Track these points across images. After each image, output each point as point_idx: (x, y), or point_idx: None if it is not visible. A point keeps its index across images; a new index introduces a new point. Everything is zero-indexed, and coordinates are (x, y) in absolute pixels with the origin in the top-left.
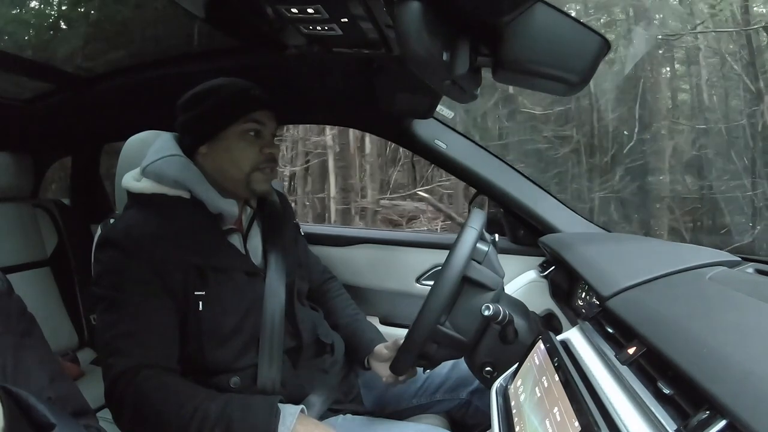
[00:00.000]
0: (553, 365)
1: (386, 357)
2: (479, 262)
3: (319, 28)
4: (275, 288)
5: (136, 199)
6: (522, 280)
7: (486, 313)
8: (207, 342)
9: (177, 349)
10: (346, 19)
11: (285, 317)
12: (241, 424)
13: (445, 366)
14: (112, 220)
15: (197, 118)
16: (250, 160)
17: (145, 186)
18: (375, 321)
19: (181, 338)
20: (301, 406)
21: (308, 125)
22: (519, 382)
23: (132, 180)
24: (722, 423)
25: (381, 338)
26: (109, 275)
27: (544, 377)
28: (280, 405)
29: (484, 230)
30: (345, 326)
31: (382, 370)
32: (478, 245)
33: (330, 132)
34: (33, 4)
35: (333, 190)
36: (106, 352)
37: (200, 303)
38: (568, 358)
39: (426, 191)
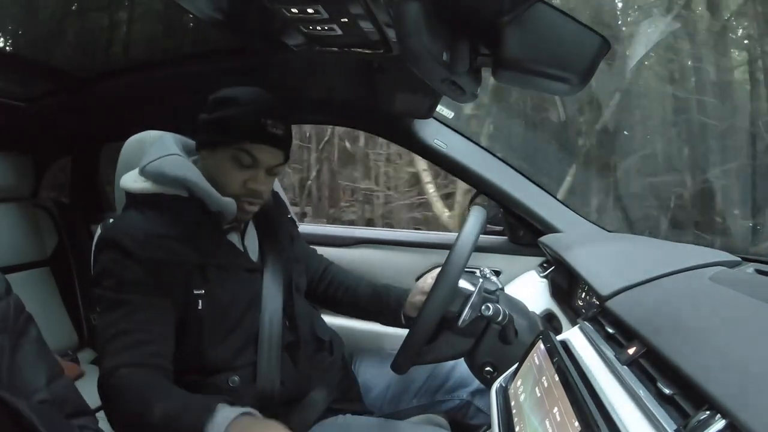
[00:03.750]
0: (553, 365)
1: (419, 303)
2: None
3: (319, 28)
4: (273, 284)
5: (134, 199)
6: (522, 280)
7: (486, 313)
8: (206, 340)
9: (172, 348)
10: (346, 19)
11: (283, 312)
12: (180, 423)
13: (445, 366)
14: (111, 220)
15: (206, 123)
16: (232, 187)
17: (144, 186)
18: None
19: (179, 338)
20: (243, 410)
21: None
22: (519, 382)
23: (130, 181)
24: (722, 423)
25: (408, 292)
26: (109, 275)
27: (544, 377)
28: (221, 406)
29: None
30: (368, 295)
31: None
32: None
33: None
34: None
35: None
36: (103, 352)
37: (199, 301)
38: (568, 358)
39: None
